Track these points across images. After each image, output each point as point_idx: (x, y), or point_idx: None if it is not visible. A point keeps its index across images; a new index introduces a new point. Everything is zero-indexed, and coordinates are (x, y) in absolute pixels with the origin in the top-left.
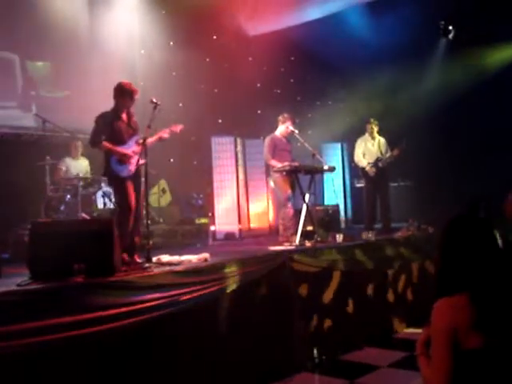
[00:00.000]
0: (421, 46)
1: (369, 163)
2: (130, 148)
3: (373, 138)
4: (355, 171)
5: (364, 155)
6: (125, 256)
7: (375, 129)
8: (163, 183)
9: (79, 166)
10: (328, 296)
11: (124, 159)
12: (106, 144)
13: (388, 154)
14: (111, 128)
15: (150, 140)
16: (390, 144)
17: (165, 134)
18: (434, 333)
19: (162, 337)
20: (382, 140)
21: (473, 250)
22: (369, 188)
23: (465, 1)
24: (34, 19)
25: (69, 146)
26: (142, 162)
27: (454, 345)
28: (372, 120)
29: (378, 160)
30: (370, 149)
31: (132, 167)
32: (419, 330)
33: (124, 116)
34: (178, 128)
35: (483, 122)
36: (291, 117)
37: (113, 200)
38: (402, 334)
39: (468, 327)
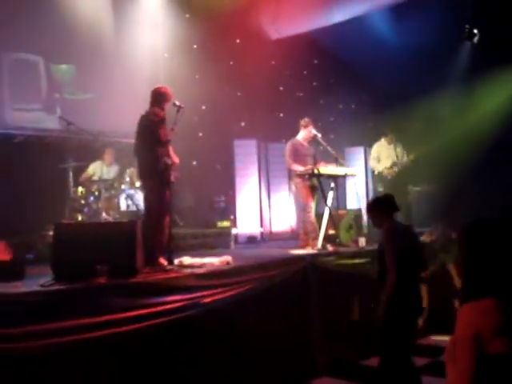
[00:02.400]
0: (445, 50)
1: (385, 167)
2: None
3: (389, 144)
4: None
5: (380, 160)
6: (162, 260)
7: (391, 138)
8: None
9: (110, 172)
10: (350, 301)
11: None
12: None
13: (404, 159)
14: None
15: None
16: (408, 147)
17: None
18: (459, 338)
19: (183, 339)
20: (399, 146)
21: (498, 253)
22: (383, 193)
23: (490, 3)
24: (58, 22)
25: (102, 152)
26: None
27: (478, 350)
28: (389, 132)
29: (394, 164)
30: (386, 153)
31: (174, 174)
32: (442, 337)
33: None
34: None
35: (509, 126)
36: (313, 121)
37: (136, 202)
38: (424, 340)
39: (493, 332)
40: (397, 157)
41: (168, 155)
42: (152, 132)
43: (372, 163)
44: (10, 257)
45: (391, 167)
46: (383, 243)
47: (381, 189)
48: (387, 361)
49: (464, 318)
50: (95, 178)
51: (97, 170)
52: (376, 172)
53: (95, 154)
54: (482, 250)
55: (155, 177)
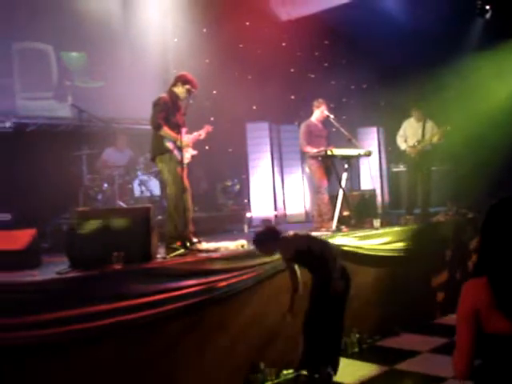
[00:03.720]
0: (457, 27)
1: (408, 145)
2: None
3: (418, 121)
4: (392, 156)
5: (407, 138)
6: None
7: (418, 113)
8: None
9: (123, 158)
10: (366, 282)
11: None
12: (167, 130)
13: (427, 137)
14: (172, 115)
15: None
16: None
17: (201, 136)
18: (459, 313)
19: (200, 323)
20: (430, 123)
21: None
22: (408, 171)
23: None
24: (67, 10)
25: (114, 138)
26: (194, 152)
27: (476, 326)
28: (414, 104)
29: (418, 142)
30: (413, 131)
31: (186, 156)
32: None
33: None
34: (209, 128)
35: None
36: (326, 101)
37: (149, 188)
38: (443, 319)
39: (487, 308)
40: (423, 135)
41: (179, 138)
42: (160, 113)
43: (398, 141)
44: (30, 244)
45: (414, 146)
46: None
47: (403, 168)
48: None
49: (463, 293)
50: (110, 164)
51: (110, 156)
52: (401, 151)
53: (108, 141)
54: (498, 227)
55: (163, 159)
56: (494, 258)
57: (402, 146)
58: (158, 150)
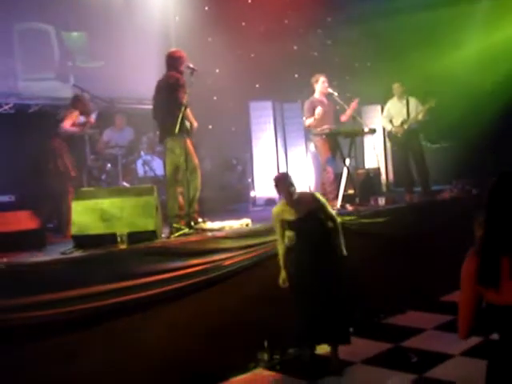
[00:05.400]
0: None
1: (394, 126)
2: None
3: (401, 100)
4: None
5: (392, 118)
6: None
7: (400, 89)
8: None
9: (123, 137)
10: (371, 259)
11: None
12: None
13: (412, 115)
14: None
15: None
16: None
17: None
18: (461, 276)
19: (205, 301)
20: (413, 100)
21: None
22: (398, 151)
23: None
24: None
25: (112, 119)
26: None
27: (476, 292)
28: (396, 81)
29: (404, 122)
30: (397, 111)
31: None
32: None
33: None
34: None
35: None
36: (322, 74)
37: (153, 168)
38: (448, 297)
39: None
40: (408, 114)
41: (188, 118)
42: (171, 95)
43: (383, 122)
44: (35, 225)
45: (401, 125)
46: None
47: (394, 148)
48: None
49: (467, 258)
50: (112, 144)
51: (111, 136)
52: (386, 131)
53: (107, 121)
54: (502, 201)
55: (176, 139)
56: (499, 234)
57: (388, 126)
58: (173, 130)
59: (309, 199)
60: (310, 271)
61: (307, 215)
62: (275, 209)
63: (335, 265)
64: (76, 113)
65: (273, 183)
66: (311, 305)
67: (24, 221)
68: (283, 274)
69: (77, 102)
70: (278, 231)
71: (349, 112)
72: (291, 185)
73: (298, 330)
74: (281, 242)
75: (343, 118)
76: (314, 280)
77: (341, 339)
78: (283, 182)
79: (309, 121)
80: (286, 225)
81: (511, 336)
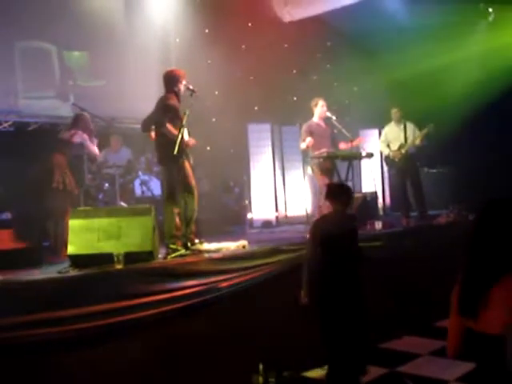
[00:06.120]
0: (459, 28)
1: (392, 150)
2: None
3: (398, 125)
4: None
5: (390, 143)
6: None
7: (398, 114)
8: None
9: (119, 158)
10: (365, 284)
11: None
12: (171, 129)
13: (410, 140)
14: (174, 113)
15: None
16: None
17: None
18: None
19: (201, 323)
20: (411, 125)
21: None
22: (395, 176)
23: None
24: (69, 9)
25: (108, 140)
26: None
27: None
28: (395, 106)
29: (401, 146)
30: (395, 136)
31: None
32: None
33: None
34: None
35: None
36: (321, 98)
37: (151, 188)
38: (442, 322)
39: None
40: (405, 138)
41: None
42: (162, 116)
43: (381, 146)
44: (16, 245)
45: (398, 149)
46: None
47: (391, 172)
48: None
49: (454, 288)
50: (108, 164)
51: (107, 157)
52: (384, 156)
53: (103, 142)
54: (486, 231)
55: (174, 160)
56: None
57: (385, 151)
58: (171, 151)
59: (352, 219)
60: (337, 288)
61: (347, 233)
62: (318, 219)
63: (359, 287)
64: (80, 132)
65: (336, 189)
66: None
67: (6, 240)
68: (305, 289)
69: (79, 121)
70: (314, 242)
71: (350, 145)
72: (352, 199)
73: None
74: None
75: (342, 145)
76: (340, 298)
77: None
78: (349, 194)
79: (303, 145)
80: (323, 237)
81: (485, 362)
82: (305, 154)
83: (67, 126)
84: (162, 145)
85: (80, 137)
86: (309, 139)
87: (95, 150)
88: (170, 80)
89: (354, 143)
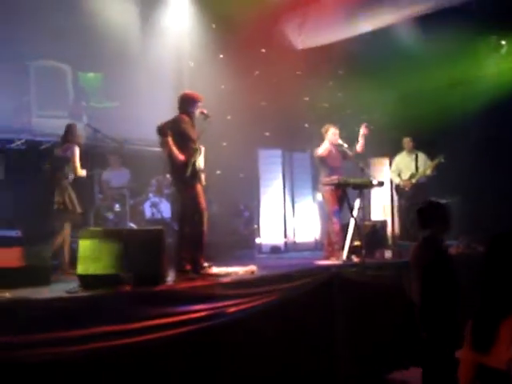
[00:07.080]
0: (474, 60)
1: (402, 179)
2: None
3: (410, 154)
4: None
5: (401, 172)
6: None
7: (411, 144)
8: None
9: (120, 176)
10: (374, 313)
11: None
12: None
13: (421, 170)
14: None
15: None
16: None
17: None
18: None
19: (207, 348)
20: (422, 155)
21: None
22: (405, 205)
23: None
24: (86, 30)
25: (108, 159)
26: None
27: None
28: (406, 136)
29: (411, 176)
30: (406, 165)
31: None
32: None
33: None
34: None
35: None
36: (333, 125)
37: (161, 210)
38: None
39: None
40: (416, 168)
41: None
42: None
43: (391, 175)
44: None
45: (409, 179)
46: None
47: (402, 201)
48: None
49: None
50: (111, 185)
51: (108, 177)
52: (394, 185)
53: (104, 162)
54: (495, 266)
55: (186, 182)
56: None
57: (396, 179)
58: (183, 173)
59: None
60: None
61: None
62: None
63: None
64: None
65: (434, 210)
66: None
67: (16, 258)
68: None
69: (68, 134)
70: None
71: (362, 141)
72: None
73: None
74: None
75: (359, 148)
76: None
77: None
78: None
79: (320, 150)
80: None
81: None
82: (315, 180)
83: (60, 142)
84: (175, 167)
85: (70, 150)
86: (327, 147)
87: (77, 165)
88: (186, 102)
89: (363, 132)
